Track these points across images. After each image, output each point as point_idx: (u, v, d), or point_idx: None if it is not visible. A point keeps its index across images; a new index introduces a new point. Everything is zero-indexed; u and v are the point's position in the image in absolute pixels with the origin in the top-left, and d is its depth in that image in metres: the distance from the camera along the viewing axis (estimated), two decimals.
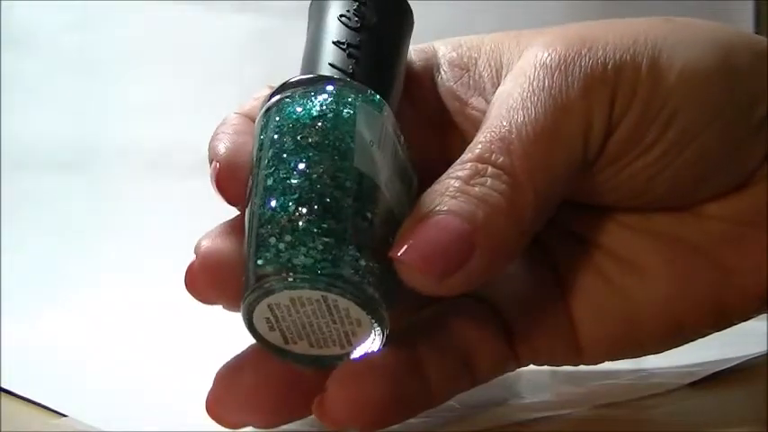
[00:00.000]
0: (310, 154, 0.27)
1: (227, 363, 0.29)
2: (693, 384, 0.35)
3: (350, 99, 0.28)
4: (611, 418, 0.32)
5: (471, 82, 0.32)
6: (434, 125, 0.32)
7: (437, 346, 0.30)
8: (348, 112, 0.27)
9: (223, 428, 0.29)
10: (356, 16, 0.31)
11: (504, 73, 0.31)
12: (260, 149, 0.28)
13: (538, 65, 0.30)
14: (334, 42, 0.30)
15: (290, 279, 0.26)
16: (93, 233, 0.56)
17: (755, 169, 0.32)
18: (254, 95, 0.31)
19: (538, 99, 0.29)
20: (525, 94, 0.29)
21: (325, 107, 0.27)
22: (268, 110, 0.28)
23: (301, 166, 0.26)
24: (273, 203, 0.26)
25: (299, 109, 0.27)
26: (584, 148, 0.30)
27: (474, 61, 0.33)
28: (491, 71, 0.32)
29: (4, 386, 0.36)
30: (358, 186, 0.27)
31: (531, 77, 0.30)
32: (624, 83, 0.30)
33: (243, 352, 0.29)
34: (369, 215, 0.27)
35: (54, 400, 0.34)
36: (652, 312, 0.32)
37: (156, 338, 0.46)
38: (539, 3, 0.67)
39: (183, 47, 0.60)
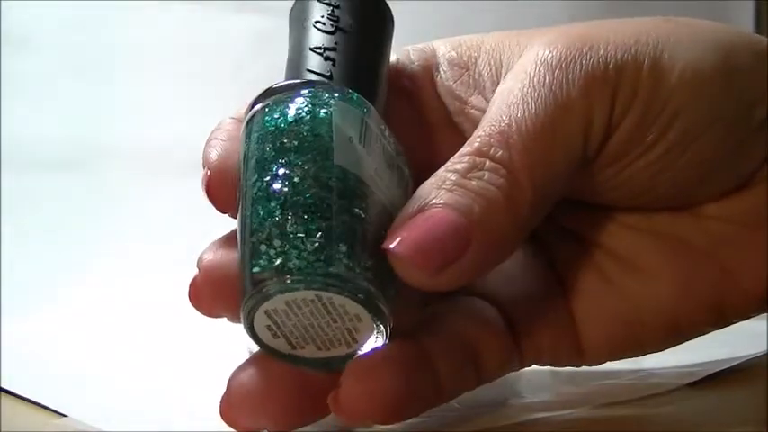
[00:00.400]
0: (291, 158, 0.27)
1: (240, 366, 0.29)
2: (693, 384, 0.35)
3: (325, 99, 0.28)
4: (611, 418, 0.32)
5: (471, 81, 0.32)
6: (434, 125, 0.32)
7: (446, 343, 0.30)
8: (325, 112, 0.28)
9: (227, 428, 0.29)
10: (330, 20, 0.31)
11: (503, 72, 0.31)
12: (244, 159, 0.28)
13: (539, 62, 0.30)
14: (311, 49, 0.31)
15: (288, 281, 0.26)
16: (93, 233, 0.56)
17: (756, 170, 0.32)
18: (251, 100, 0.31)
19: (538, 95, 0.29)
20: (526, 89, 0.29)
21: (301, 110, 0.28)
22: (250, 120, 0.29)
23: (282, 170, 0.27)
24: (260, 211, 0.26)
25: (276, 116, 0.28)
26: (584, 146, 0.30)
27: (474, 60, 0.33)
28: (491, 70, 0.32)
29: (4, 386, 0.36)
30: (342, 183, 0.27)
31: (532, 74, 0.30)
32: (625, 83, 0.30)
33: (255, 355, 0.29)
34: (357, 211, 0.27)
35: (54, 400, 0.34)
36: (652, 312, 0.32)
37: (157, 338, 0.46)
38: (539, 3, 0.67)
39: (183, 47, 0.60)
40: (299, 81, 0.29)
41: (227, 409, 0.29)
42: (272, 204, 0.26)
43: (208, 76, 0.60)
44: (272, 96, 0.28)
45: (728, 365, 0.36)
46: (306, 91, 0.28)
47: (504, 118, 0.29)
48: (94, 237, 0.56)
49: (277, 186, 0.27)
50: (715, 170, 0.31)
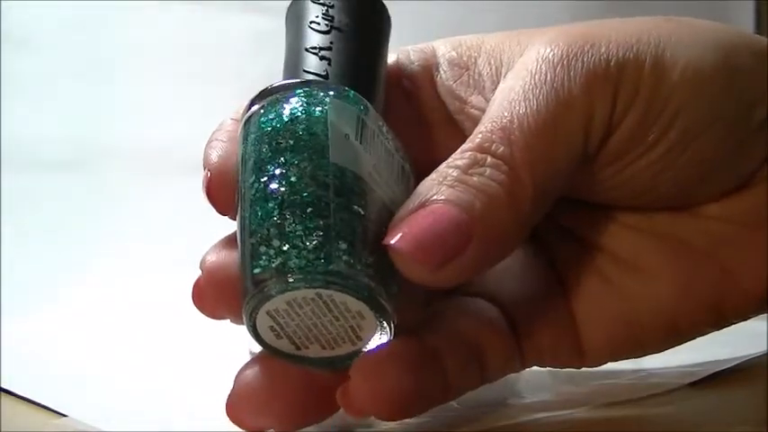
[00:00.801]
0: (287, 157, 0.27)
1: (246, 365, 0.29)
2: (693, 384, 0.35)
3: (320, 97, 0.28)
4: (611, 418, 0.32)
5: (471, 81, 0.32)
6: (434, 124, 0.32)
7: (451, 341, 0.30)
8: (320, 110, 0.28)
9: (227, 428, 0.29)
10: (325, 19, 0.31)
11: (504, 71, 0.31)
12: (242, 161, 0.28)
13: (540, 60, 0.30)
14: (306, 50, 0.31)
15: (291, 280, 0.26)
16: (93, 233, 0.56)
17: (755, 170, 0.32)
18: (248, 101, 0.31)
19: (540, 92, 0.29)
20: (527, 86, 0.29)
21: (296, 110, 0.28)
22: (247, 121, 0.29)
23: (279, 170, 0.27)
24: (259, 212, 0.26)
25: (272, 116, 0.28)
26: (585, 143, 0.30)
27: (474, 60, 0.33)
28: (491, 70, 0.32)
29: (4, 386, 0.36)
30: (339, 181, 0.27)
31: (534, 71, 0.30)
32: (627, 81, 0.30)
33: (260, 353, 0.29)
34: (356, 207, 0.27)
35: (54, 400, 0.34)
36: (652, 313, 0.32)
37: (157, 338, 0.46)
38: (540, 3, 0.67)
39: (183, 47, 0.60)
40: (294, 81, 0.29)
41: (233, 408, 0.29)
42: (270, 205, 0.26)
43: (208, 76, 0.60)
44: (268, 97, 0.28)
45: (728, 365, 0.36)
46: (301, 90, 0.28)
47: (506, 114, 0.29)
48: (94, 237, 0.56)
49: (274, 186, 0.27)
50: (715, 169, 0.31)
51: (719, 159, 0.31)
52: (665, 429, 0.32)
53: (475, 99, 0.32)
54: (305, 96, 0.28)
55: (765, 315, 0.34)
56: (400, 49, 0.34)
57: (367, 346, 0.28)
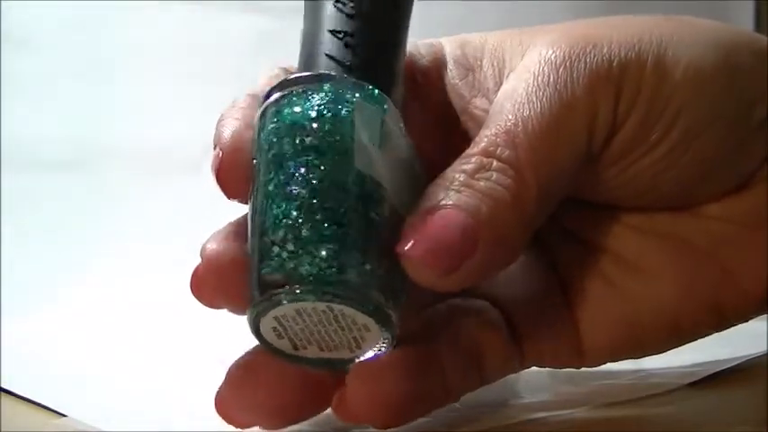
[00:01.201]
0: (310, 157, 0.26)
1: (237, 362, 0.29)
2: (693, 384, 0.35)
3: (348, 96, 0.27)
4: (611, 418, 0.32)
5: (475, 83, 0.32)
6: (440, 121, 0.32)
7: (450, 343, 0.30)
8: (347, 111, 0.27)
9: (227, 428, 0.29)
10: (351, 1, 0.30)
11: (506, 72, 0.31)
12: (259, 152, 0.27)
13: (543, 62, 0.30)
14: (329, 31, 0.29)
15: (298, 291, 0.25)
16: (93, 233, 0.56)
17: (756, 170, 0.32)
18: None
19: (543, 94, 0.29)
20: (531, 89, 0.29)
21: (322, 107, 0.27)
22: (265, 110, 0.28)
23: (301, 170, 0.26)
24: (275, 210, 0.26)
25: (296, 110, 0.27)
26: (589, 144, 0.30)
27: (478, 62, 0.32)
28: (494, 71, 0.32)
29: (4, 386, 0.36)
30: (360, 188, 0.26)
31: (536, 73, 0.30)
32: (629, 80, 0.30)
33: (252, 351, 0.29)
34: (373, 215, 0.26)
35: (54, 400, 0.34)
36: (654, 314, 0.32)
37: (157, 338, 0.46)
38: (541, 3, 0.67)
39: (183, 47, 0.60)
40: (318, 73, 0.28)
41: (223, 405, 0.29)
42: (288, 205, 0.26)
43: (208, 76, 0.60)
44: (291, 87, 0.27)
45: (729, 365, 0.36)
46: (327, 86, 0.27)
47: (510, 117, 0.29)
48: (94, 237, 0.56)
49: (294, 187, 0.26)
50: (716, 168, 0.31)
51: (720, 158, 0.31)
52: (665, 429, 0.32)
53: (479, 101, 0.32)
54: (331, 93, 0.27)
55: (765, 315, 0.34)
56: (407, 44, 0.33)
57: (365, 353, 0.28)
